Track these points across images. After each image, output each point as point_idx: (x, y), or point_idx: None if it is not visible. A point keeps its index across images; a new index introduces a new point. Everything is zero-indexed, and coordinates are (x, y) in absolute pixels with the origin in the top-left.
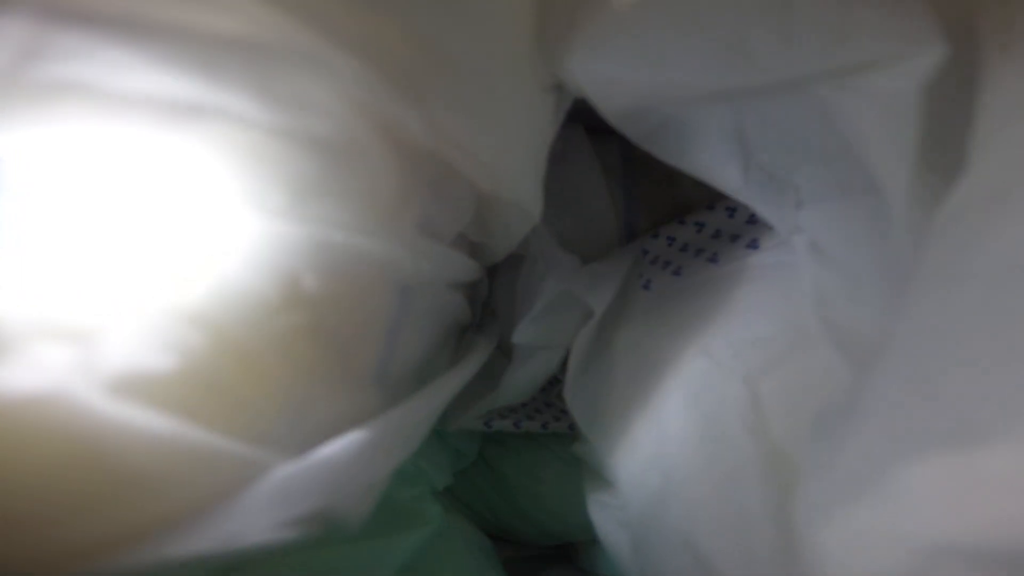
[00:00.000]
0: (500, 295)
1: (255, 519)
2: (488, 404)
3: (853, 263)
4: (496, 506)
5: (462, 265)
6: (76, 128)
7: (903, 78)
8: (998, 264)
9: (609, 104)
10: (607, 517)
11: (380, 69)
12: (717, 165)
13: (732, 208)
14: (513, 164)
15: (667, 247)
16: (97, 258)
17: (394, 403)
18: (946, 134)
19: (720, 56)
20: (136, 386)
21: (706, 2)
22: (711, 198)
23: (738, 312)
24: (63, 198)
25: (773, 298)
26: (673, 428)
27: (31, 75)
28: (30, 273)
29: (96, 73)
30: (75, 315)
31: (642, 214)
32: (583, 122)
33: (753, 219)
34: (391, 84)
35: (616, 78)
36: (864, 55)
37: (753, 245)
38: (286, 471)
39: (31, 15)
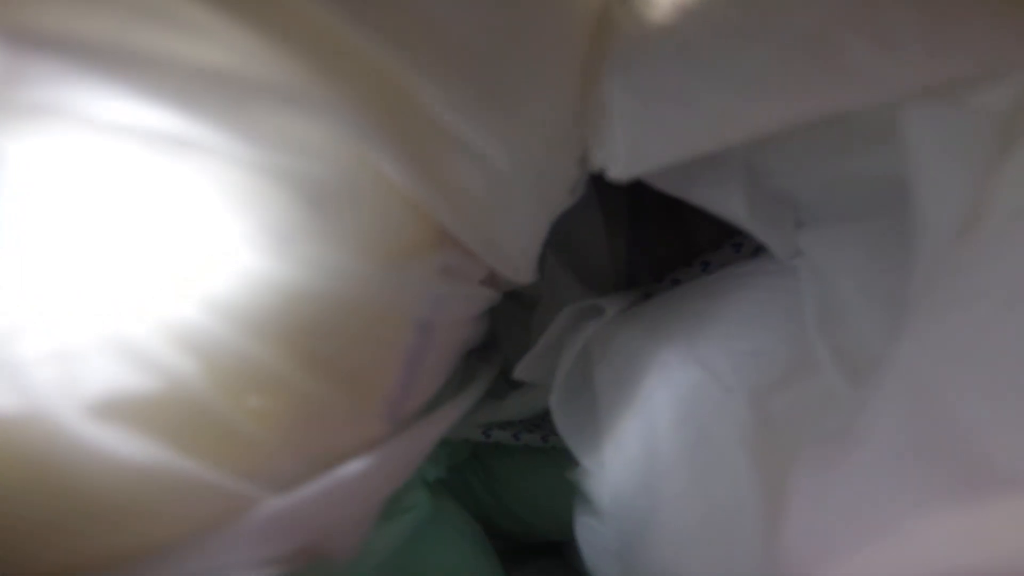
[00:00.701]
0: (502, 320)
1: (234, 555)
2: (488, 416)
3: (855, 285)
4: (486, 504)
5: (488, 298)
6: (65, 147)
7: (995, 97)
8: (1006, 286)
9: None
10: (595, 542)
11: (373, 118)
12: (721, 194)
13: (738, 244)
14: (512, 246)
15: (670, 289)
16: (84, 274)
17: (397, 431)
18: None
19: (799, 64)
20: (118, 409)
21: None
22: (720, 241)
23: (735, 321)
24: (52, 211)
25: (773, 309)
26: (664, 446)
27: (15, 96)
28: (13, 286)
29: (76, 100)
30: (59, 332)
31: (647, 263)
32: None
33: (759, 251)
34: (386, 138)
35: (665, 105)
36: (962, 69)
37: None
38: (272, 507)
39: (6, 39)
